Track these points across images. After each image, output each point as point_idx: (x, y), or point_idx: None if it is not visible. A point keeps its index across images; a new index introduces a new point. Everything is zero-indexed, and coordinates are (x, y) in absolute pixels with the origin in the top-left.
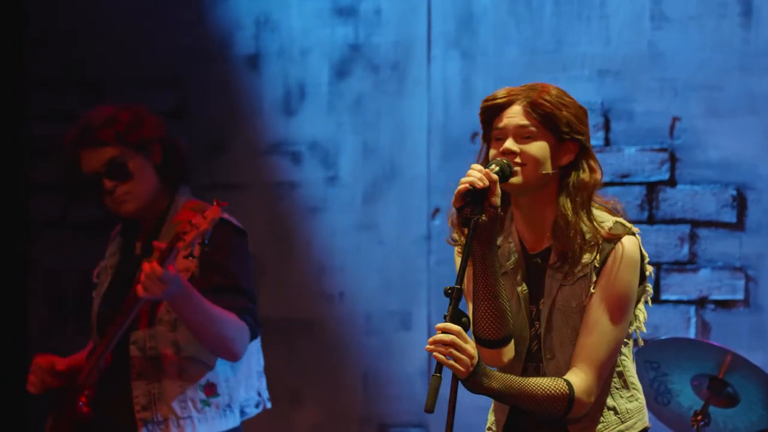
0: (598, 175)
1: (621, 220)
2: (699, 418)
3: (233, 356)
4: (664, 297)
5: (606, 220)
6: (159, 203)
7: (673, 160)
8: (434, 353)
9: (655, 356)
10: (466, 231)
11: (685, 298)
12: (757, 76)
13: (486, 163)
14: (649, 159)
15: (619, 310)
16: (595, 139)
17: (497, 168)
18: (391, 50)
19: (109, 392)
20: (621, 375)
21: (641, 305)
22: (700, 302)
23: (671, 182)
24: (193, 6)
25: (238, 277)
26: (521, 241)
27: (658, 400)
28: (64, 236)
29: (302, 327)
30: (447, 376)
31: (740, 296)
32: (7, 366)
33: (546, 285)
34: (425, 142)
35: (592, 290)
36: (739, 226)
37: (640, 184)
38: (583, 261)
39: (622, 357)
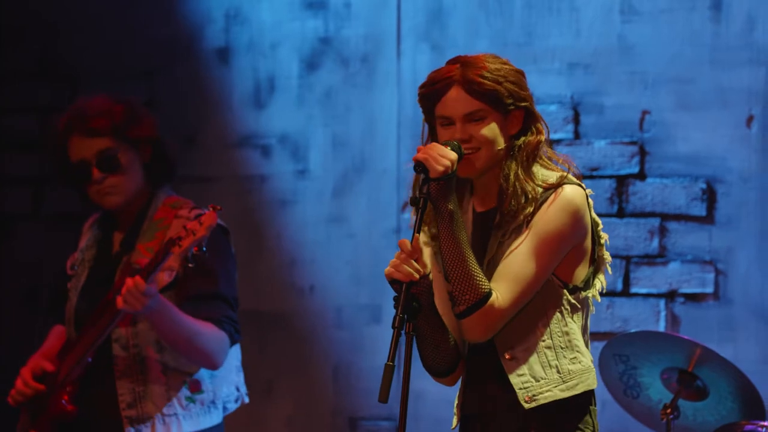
0: (542, 136)
1: (566, 175)
2: (668, 411)
3: (213, 367)
4: (633, 290)
5: (551, 176)
6: (140, 198)
7: (642, 153)
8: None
9: (624, 349)
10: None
11: (654, 291)
12: (727, 70)
13: (431, 141)
14: (618, 152)
15: (543, 244)
16: (565, 132)
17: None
18: (361, 43)
19: (92, 390)
20: (567, 335)
21: (600, 275)
22: (670, 295)
23: (641, 176)
24: None
25: (220, 283)
26: (473, 203)
27: (627, 393)
28: (36, 229)
29: (273, 320)
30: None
31: (710, 290)
32: None
33: (489, 243)
34: (395, 135)
35: (525, 228)
36: (708, 219)
37: (609, 177)
38: (520, 218)
39: (569, 318)
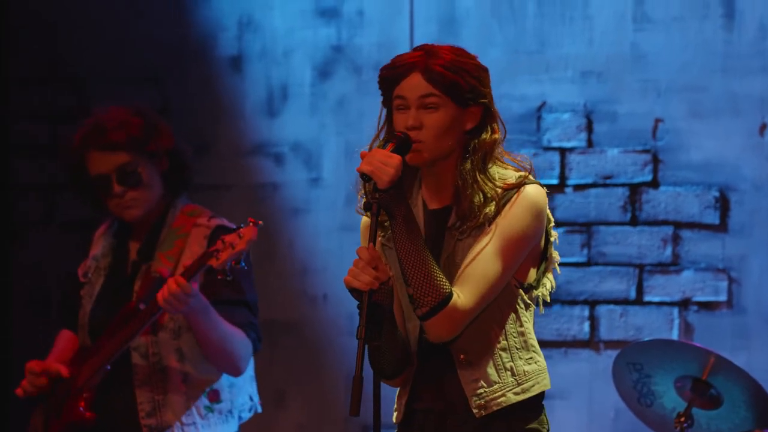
0: (498, 135)
1: (526, 175)
2: (682, 419)
3: (237, 372)
4: (647, 298)
5: (509, 176)
6: (158, 207)
7: (655, 161)
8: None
9: (638, 358)
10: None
11: (668, 299)
12: (740, 78)
13: (387, 127)
14: (631, 160)
15: (508, 244)
16: (578, 140)
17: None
18: (374, 51)
19: (110, 397)
20: (522, 335)
21: (549, 274)
22: (683, 304)
23: (654, 184)
24: (176, 6)
25: (244, 290)
26: (423, 202)
27: (641, 401)
28: (48, 236)
29: (285, 328)
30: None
31: (723, 298)
32: None
33: (445, 241)
34: None
35: (488, 228)
36: (722, 227)
37: (622, 185)
38: (479, 217)
39: (524, 318)
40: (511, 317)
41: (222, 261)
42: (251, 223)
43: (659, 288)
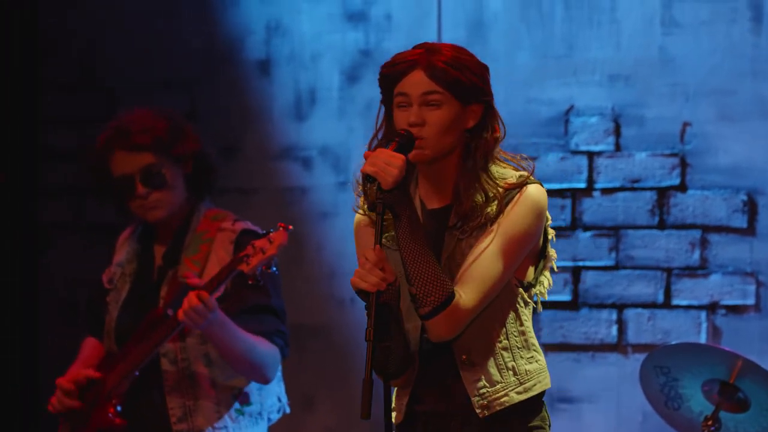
0: (499, 134)
1: (528, 174)
2: (710, 423)
3: (264, 381)
4: (675, 302)
5: (509, 176)
6: (181, 211)
7: (683, 165)
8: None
9: (665, 361)
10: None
11: (695, 303)
12: None
13: (386, 126)
14: (659, 164)
15: (510, 244)
16: (606, 144)
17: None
18: None
19: (140, 403)
20: (523, 334)
21: (546, 272)
22: (711, 307)
23: (682, 187)
24: (204, 11)
25: (271, 296)
26: (422, 202)
27: (668, 404)
28: (75, 240)
29: (313, 332)
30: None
31: (751, 301)
32: (18, 372)
33: (445, 241)
34: None
35: (490, 228)
36: (749, 231)
37: (650, 189)
38: (479, 216)
39: (524, 317)
40: (511, 316)
41: (253, 266)
42: (281, 228)
43: (687, 291)
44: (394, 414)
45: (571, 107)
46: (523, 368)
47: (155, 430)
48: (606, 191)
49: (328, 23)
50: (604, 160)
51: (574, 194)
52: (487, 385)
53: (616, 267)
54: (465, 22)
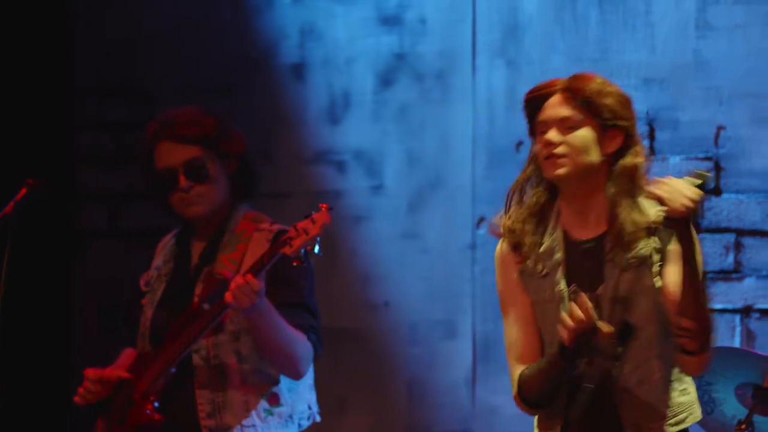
0: (640, 159)
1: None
2: (743, 427)
3: (297, 375)
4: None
5: (653, 206)
6: (221, 211)
7: (718, 169)
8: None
9: None
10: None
11: (730, 306)
12: None
13: (531, 157)
14: (693, 168)
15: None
16: None
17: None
18: (436, 59)
19: (172, 399)
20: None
21: None
22: (745, 311)
23: (716, 191)
24: (239, 15)
25: (305, 293)
26: (564, 233)
27: (701, 408)
28: (111, 246)
29: (347, 336)
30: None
31: None
32: (54, 378)
33: (606, 271)
34: (470, 151)
35: (657, 268)
36: None
37: None
38: (639, 246)
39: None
40: (668, 346)
41: (296, 248)
42: (323, 208)
43: (721, 295)
44: None
45: None
46: (676, 401)
47: (184, 424)
48: None
49: (362, 27)
50: None
51: None
52: (642, 415)
53: None
54: (499, 26)
